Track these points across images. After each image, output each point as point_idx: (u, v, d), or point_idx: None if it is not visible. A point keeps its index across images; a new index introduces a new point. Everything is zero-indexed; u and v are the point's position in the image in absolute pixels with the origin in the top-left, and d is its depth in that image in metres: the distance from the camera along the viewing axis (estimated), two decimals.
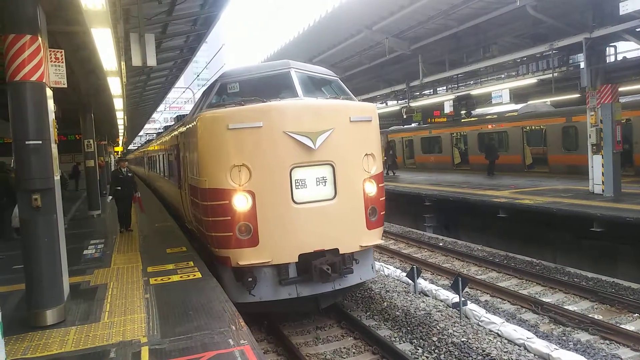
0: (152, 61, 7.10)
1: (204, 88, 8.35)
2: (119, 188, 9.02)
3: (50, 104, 4.55)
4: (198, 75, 33.26)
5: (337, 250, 5.72)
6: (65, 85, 5.28)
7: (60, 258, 4.56)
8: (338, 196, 5.75)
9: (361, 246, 5.90)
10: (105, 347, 3.89)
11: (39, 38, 4.26)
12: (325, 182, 5.74)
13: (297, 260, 5.59)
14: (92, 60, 8.22)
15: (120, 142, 33.27)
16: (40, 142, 4.26)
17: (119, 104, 12.00)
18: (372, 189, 6.05)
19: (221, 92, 6.46)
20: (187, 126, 7.00)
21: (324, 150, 5.62)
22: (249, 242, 5.45)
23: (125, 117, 18.81)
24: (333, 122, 5.70)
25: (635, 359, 5.55)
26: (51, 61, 5.05)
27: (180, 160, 7.97)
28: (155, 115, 47.58)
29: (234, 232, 5.42)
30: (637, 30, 9.68)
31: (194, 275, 5.96)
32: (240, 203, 5.44)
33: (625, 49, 13.14)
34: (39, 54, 4.22)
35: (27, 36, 4.16)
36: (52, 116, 4.56)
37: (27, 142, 4.21)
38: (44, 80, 4.33)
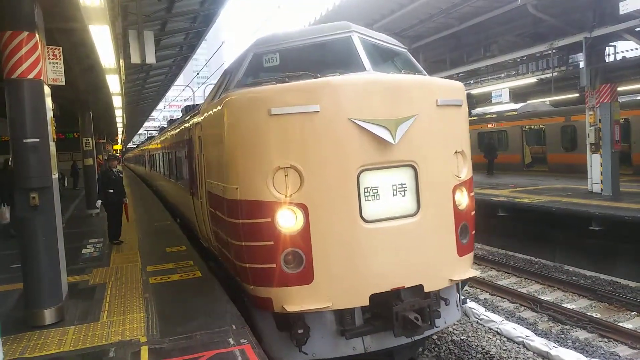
0: (151, 59, 7.05)
1: (203, 86, 8.05)
2: (111, 191, 7.71)
3: (48, 102, 4.51)
4: (198, 73, 33.16)
5: (421, 287, 4.07)
6: (63, 83, 5.24)
7: (59, 257, 4.53)
8: (422, 210, 4.08)
9: (451, 280, 4.24)
10: (104, 346, 3.86)
11: (37, 35, 4.22)
12: (404, 190, 4.07)
13: (367, 304, 3.95)
14: (90, 58, 8.16)
15: (120, 141, 33.18)
16: (38, 140, 4.23)
17: (117, 101, 11.95)
18: (463, 199, 4.39)
19: (254, 67, 4.60)
20: (205, 115, 5.22)
21: (404, 146, 3.97)
22: (300, 278, 3.85)
23: (124, 115, 18.75)
24: (416, 107, 4.03)
25: (633, 357, 5.57)
26: (49, 58, 5.00)
27: (194, 160, 6.21)
28: (154, 114, 47.47)
29: (277, 264, 3.83)
30: (637, 29, 9.68)
31: (194, 274, 5.94)
32: (288, 221, 3.85)
33: (624, 49, 13.16)
34: (36, 51, 4.18)
35: (25, 33, 4.12)
36: (50, 114, 4.52)
37: (24, 140, 4.18)
38: (41, 78, 4.29)
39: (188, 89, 40.43)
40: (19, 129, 4.19)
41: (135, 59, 7.01)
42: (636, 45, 10.18)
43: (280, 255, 3.85)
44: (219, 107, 4.47)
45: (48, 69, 4.91)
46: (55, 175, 4.55)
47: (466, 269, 4.43)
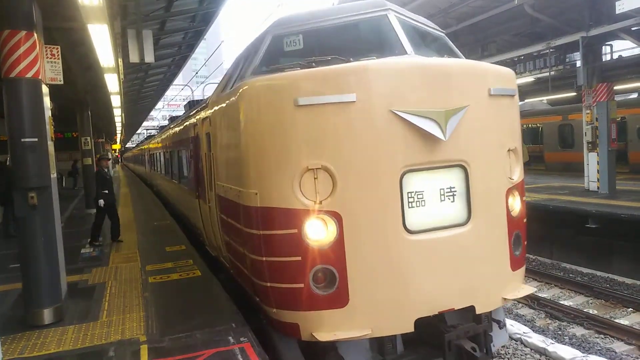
0: (149, 58, 7.05)
1: (202, 85, 7.91)
2: (107, 192, 7.65)
3: (47, 101, 4.51)
4: (197, 73, 33.12)
5: (472, 309, 3.54)
6: (62, 82, 5.24)
7: (58, 256, 4.52)
8: (473, 219, 3.53)
9: (505, 299, 3.69)
10: (103, 346, 3.87)
11: (35, 34, 4.21)
12: (453, 195, 3.52)
13: (412, 330, 3.38)
14: (89, 57, 8.15)
15: (118, 140, 33.10)
16: (37, 139, 4.22)
17: (116, 101, 11.93)
18: (516, 204, 3.84)
19: (273, 51, 3.96)
20: (215, 108, 4.63)
21: (453, 143, 3.40)
22: (332, 300, 3.29)
23: (123, 114, 18.72)
24: (467, 96, 3.45)
25: (629, 352, 5.61)
26: (47, 57, 5.00)
27: (201, 160, 5.62)
28: (153, 113, 47.41)
29: (306, 283, 3.28)
30: (633, 29, 9.73)
31: (194, 273, 5.94)
32: (318, 233, 3.29)
33: (620, 48, 13.23)
34: (34, 50, 4.17)
35: (23, 32, 4.11)
36: (48, 113, 4.51)
37: (23, 140, 4.17)
38: (39, 77, 4.28)
39: (187, 88, 40.36)
40: (17, 128, 4.18)
41: (133, 58, 7.01)
42: (632, 45, 10.24)
43: (309, 274, 3.25)
44: (233, 98, 3.81)
45: (46, 68, 4.91)
46: (53, 175, 4.55)
47: (519, 285, 3.83)
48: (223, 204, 4.47)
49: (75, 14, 5.11)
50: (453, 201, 3.53)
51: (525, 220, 4.01)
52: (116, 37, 6.27)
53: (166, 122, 17.52)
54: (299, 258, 3.28)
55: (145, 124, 48.83)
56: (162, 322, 4.29)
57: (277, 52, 3.98)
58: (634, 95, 16.53)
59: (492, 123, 3.66)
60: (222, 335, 3.87)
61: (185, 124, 7.44)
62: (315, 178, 3.27)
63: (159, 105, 40.08)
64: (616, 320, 6.45)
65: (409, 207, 3.38)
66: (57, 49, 5.18)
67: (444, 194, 3.50)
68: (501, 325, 3.88)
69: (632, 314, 6.71)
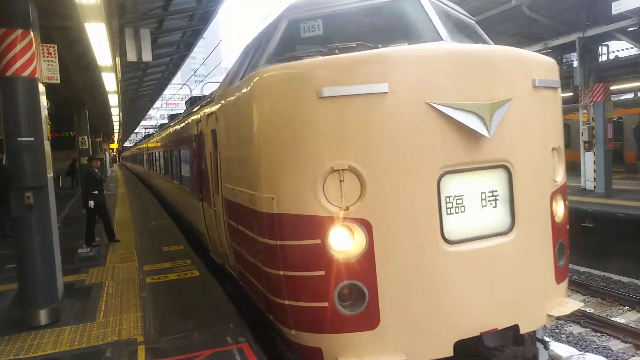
0: (147, 57, 7.02)
1: (201, 84, 7.80)
2: (96, 192, 7.61)
3: (43, 100, 4.48)
4: (195, 72, 33.04)
5: (515, 328, 3.19)
6: (58, 81, 5.21)
7: (54, 257, 4.50)
8: (517, 226, 3.18)
9: (549, 316, 3.33)
10: (100, 346, 3.84)
11: (31, 32, 4.18)
12: (495, 200, 3.15)
13: (452, 354, 3.01)
14: (86, 56, 8.11)
15: (116, 139, 33.00)
16: (33, 138, 4.19)
17: (114, 100, 11.89)
18: (560, 210, 3.49)
19: (289, 37, 3.55)
20: (222, 102, 4.25)
21: (497, 141, 3.05)
22: (361, 321, 2.91)
23: (121, 113, 18.67)
24: (511, 88, 3.09)
25: (625, 350, 5.64)
26: (44, 56, 4.97)
27: (205, 159, 5.24)
28: (151, 112, 47.27)
29: (330, 301, 2.90)
30: (629, 29, 9.78)
31: (192, 273, 5.92)
32: (344, 243, 2.91)
33: (617, 48, 13.29)
34: (30, 48, 4.14)
35: (19, 30, 4.08)
36: (44, 112, 4.49)
37: (19, 139, 4.14)
38: (36, 76, 4.25)
39: (185, 87, 40.28)
40: (13, 127, 4.15)
41: (131, 57, 6.98)
42: (628, 45, 10.29)
43: (334, 290, 2.86)
44: (244, 90, 3.44)
45: (43, 66, 4.87)
46: (50, 175, 4.52)
47: (564, 299, 3.46)
48: (231, 209, 4.03)
49: (72, 12, 5.08)
50: (495, 207, 3.14)
51: (567, 227, 3.61)
52: (113, 35, 6.25)
53: (165, 121, 17.05)
54: (323, 273, 2.87)
55: (143, 123, 48.75)
56: (159, 323, 4.27)
57: (293, 39, 3.54)
58: (630, 96, 16.62)
59: (537, 118, 3.27)
60: (220, 336, 3.86)
61: (187, 121, 6.99)
62: (340, 180, 2.86)
63: (157, 104, 39.97)
64: (612, 319, 6.49)
65: (447, 214, 2.98)
66: (53, 47, 5.15)
67: (485, 199, 3.11)
68: (547, 346, 3.54)
69: (628, 312, 6.76)
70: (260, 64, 3.52)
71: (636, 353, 5.62)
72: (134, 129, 52.55)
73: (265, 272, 3.22)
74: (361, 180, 2.88)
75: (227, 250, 4.54)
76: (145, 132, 41.04)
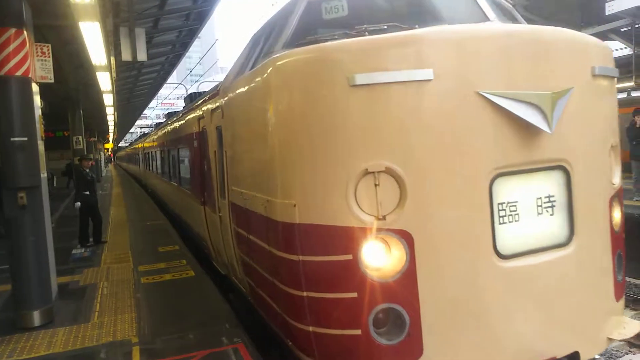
0: (142, 56, 6.99)
1: (196, 84, 7.65)
2: (88, 193, 7.61)
3: (37, 100, 4.45)
4: (191, 71, 32.92)
5: (576, 355, 2.78)
6: (52, 81, 5.17)
7: (48, 257, 4.46)
8: (577, 237, 2.78)
9: (610, 339, 2.97)
10: (95, 347, 3.82)
11: (24, 32, 4.15)
12: (552, 207, 2.75)
13: None
14: (80, 55, 8.07)
15: (111, 139, 32.83)
16: (26, 138, 4.16)
17: (108, 99, 11.82)
18: (618, 216, 3.12)
19: (309, 20, 3.14)
20: (230, 95, 3.82)
21: (556, 137, 2.63)
22: (401, 351, 2.50)
23: (116, 113, 18.57)
24: (570, 76, 2.69)
25: (619, 348, 5.67)
26: (37, 55, 4.93)
27: (208, 159, 4.85)
28: (147, 112, 47.11)
29: (364, 328, 2.48)
30: (622, 30, 9.88)
31: (187, 273, 5.90)
32: (381, 260, 2.49)
33: (612, 49, 13.45)
34: (24, 48, 4.11)
35: (12, 29, 4.05)
36: (38, 112, 4.45)
37: (12, 139, 4.10)
38: (29, 75, 4.22)
39: (181, 87, 40.13)
40: (6, 127, 4.11)
41: (126, 56, 6.94)
42: (622, 45, 10.40)
43: (369, 316, 2.44)
44: (258, 80, 3.00)
45: (37, 66, 4.83)
46: (44, 175, 4.49)
47: (622, 318, 3.07)
48: (240, 216, 3.59)
49: (66, 11, 5.04)
50: (552, 214, 2.71)
51: (623, 235, 3.23)
52: (108, 35, 6.21)
53: (162, 120, 16.82)
54: (355, 294, 2.44)
55: (138, 122, 48.56)
56: (154, 323, 4.24)
57: (313, 21, 3.12)
58: (623, 95, 16.77)
59: (596, 111, 2.86)
60: (216, 336, 3.84)
61: (187, 118, 6.46)
62: (376, 184, 2.42)
63: (153, 104, 39.83)
64: None
65: (500, 224, 2.56)
66: (47, 47, 5.11)
67: (541, 205, 2.69)
68: None
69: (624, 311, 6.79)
70: (275, 49, 3.05)
71: (629, 351, 5.66)
72: (129, 129, 52.32)
73: (283, 291, 2.76)
74: (400, 184, 2.43)
75: (235, 262, 4.06)
76: (140, 132, 40.83)
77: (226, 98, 3.98)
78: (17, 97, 4.12)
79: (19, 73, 4.09)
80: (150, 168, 14.24)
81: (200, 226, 5.66)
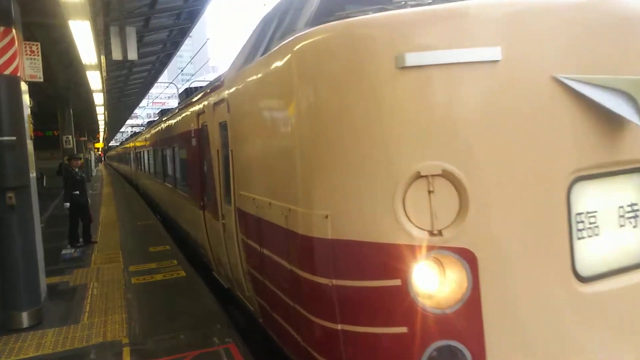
0: (133, 55, 6.95)
1: (187, 83, 7.43)
2: (77, 192, 7.51)
3: (26, 99, 4.41)
4: (182, 70, 32.72)
5: None
6: (42, 79, 5.11)
7: (37, 258, 4.42)
8: None
9: None
10: (84, 348, 3.79)
11: (13, 30, 4.11)
12: (636, 217, 2.36)
13: None
14: (70, 54, 7.98)
15: (101, 138, 32.44)
16: (15, 138, 4.12)
17: (99, 98, 11.71)
18: None
19: None
20: (239, 85, 3.38)
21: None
22: None
23: (106, 112, 18.38)
24: None
25: None
26: (26, 54, 4.88)
27: (209, 159, 4.45)
28: (137, 111, 46.63)
29: None
30: None
31: (178, 274, 5.88)
32: (436, 286, 2.07)
33: None
34: (12, 46, 4.07)
35: (0, 28, 4.01)
36: (27, 111, 4.41)
37: (0, 139, 4.06)
38: (18, 74, 4.18)
39: (172, 86, 39.84)
40: None
41: (116, 55, 6.89)
42: None
43: (422, 356, 1.98)
44: (277, 64, 2.53)
45: (25, 64, 4.78)
46: (33, 174, 4.45)
47: None
48: (251, 226, 3.16)
49: (56, 9, 5.00)
50: (635, 226, 2.28)
51: None
52: (98, 33, 6.16)
53: (154, 119, 16.16)
54: (404, 329, 1.98)
55: (129, 122, 48.07)
56: (145, 324, 4.23)
57: None
58: None
59: None
60: (207, 336, 3.84)
61: (183, 114, 5.96)
62: (430, 191, 1.96)
63: (144, 103, 39.47)
64: None
65: (578, 239, 2.11)
66: (36, 45, 5.05)
67: (623, 215, 2.26)
68: None
69: None
70: (297, 28, 2.56)
71: None
72: (120, 128, 51.76)
73: (310, 321, 2.29)
74: (460, 190, 1.96)
75: (242, 277, 3.57)
76: (131, 131, 40.43)
77: (232, 89, 3.50)
78: (6, 96, 4.08)
79: (7, 72, 4.06)
80: (142, 168, 13.65)
81: (199, 233, 5.14)
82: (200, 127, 4.84)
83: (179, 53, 15.05)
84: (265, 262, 2.92)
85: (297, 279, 2.38)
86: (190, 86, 8.29)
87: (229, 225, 3.79)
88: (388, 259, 2.00)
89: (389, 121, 2.02)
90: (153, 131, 10.65)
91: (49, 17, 5.80)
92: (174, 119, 7.05)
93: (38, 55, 5.05)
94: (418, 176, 1.97)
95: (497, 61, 1.97)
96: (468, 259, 1.96)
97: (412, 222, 1.98)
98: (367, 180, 2.05)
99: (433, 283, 2.02)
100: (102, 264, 6.57)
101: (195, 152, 5.10)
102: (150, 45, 12.82)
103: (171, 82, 37.38)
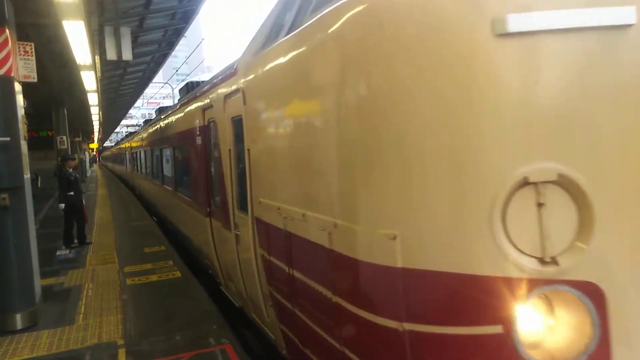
0: (127, 55, 6.93)
1: (182, 83, 7.14)
2: (72, 193, 7.47)
3: (19, 99, 4.38)
4: (177, 70, 32.61)
5: None
6: (35, 80, 5.09)
7: (31, 259, 4.40)
8: None
9: None
10: (79, 350, 3.78)
11: (6, 30, 4.09)
12: None
13: None
14: (64, 54, 7.93)
15: (96, 139, 32.25)
16: (9, 138, 4.10)
17: (93, 99, 11.64)
18: None
19: None
20: (259, 71, 2.84)
21: None
22: None
23: (101, 112, 18.27)
24: None
25: None
26: (20, 54, 4.85)
27: (218, 159, 3.96)
28: (132, 111, 46.38)
29: None
30: None
31: (173, 274, 5.88)
32: (549, 334, 1.53)
33: None
34: (6, 46, 4.05)
35: None
36: (21, 112, 4.39)
37: None
38: (12, 75, 4.16)
39: (167, 86, 39.66)
40: None
41: (111, 55, 6.87)
42: None
43: None
44: (319, 38, 2.03)
45: (19, 65, 4.76)
46: (27, 175, 4.42)
47: None
48: (274, 240, 2.66)
49: (50, 9, 4.98)
50: None
51: None
52: (93, 34, 6.14)
53: (149, 118, 15.14)
54: None
55: (124, 122, 47.81)
56: (140, 325, 4.22)
57: None
58: None
59: None
60: (203, 337, 3.84)
61: (186, 110, 5.38)
62: (539, 204, 1.48)
63: (139, 103, 39.28)
64: None
65: None
66: (30, 45, 5.03)
67: None
68: None
69: None
70: None
71: None
72: (115, 129, 51.47)
73: None
74: (581, 203, 1.48)
75: (260, 300, 3.07)
76: (126, 132, 40.20)
77: (250, 77, 2.93)
78: (0, 96, 4.06)
79: (1, 72, 4.04)
80: (139, 169, 13.12)
81: (203, 242, 4.63)
82: (206, 123, 4.33)
83: (173, 53, 15.01)
84: (297, 288, 2.34)
85: (348, 316, 1.83)
86: (192, 80, 7.79)
87: (244, 237, 3.26)
88: (484, 298, 1.48)
89: (482, 108, 1.49)
90: (151, 130, 10.09)
91: (43, 17, 5.76)
92: (174, 116, 6.48)
93: (32, 56, 5.02)
94: (524, 183, 1.47)
95: (629, 25, 1.46)
96: (593, 296, 1.46)
97: (516, 247, 1.47)
98: (453, 189, 1.53)
99: (549, 329, 1.51)
100: (97, 265, 6.54)
101: (200, 151, 4.55)
102: (145, 45, 12.78)
103: (166, 82, 37.22)
